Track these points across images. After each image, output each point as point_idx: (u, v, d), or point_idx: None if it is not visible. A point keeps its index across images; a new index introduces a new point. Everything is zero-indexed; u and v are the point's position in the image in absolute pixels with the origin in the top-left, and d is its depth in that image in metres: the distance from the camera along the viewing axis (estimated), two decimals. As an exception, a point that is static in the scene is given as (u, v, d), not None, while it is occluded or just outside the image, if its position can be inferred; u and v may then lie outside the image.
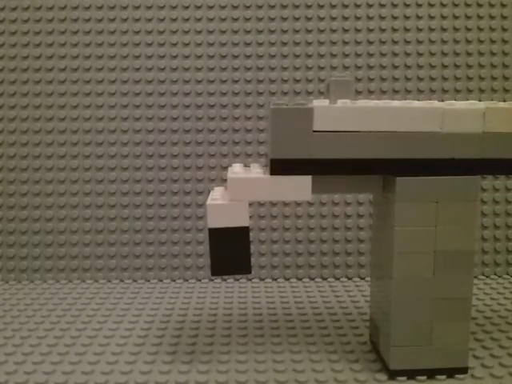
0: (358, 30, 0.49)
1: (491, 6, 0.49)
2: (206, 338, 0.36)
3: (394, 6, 0.49)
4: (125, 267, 0.48)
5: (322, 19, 0.49)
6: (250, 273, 0.30)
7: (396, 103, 0.29)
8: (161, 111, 0.49)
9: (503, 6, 0.49)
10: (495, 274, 0.48)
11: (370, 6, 0.49)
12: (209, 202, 0.29)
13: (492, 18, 0.49)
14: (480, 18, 0.49)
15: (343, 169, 0.29)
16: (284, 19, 0.48)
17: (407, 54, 0.49)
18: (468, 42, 0.49)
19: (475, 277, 0.48)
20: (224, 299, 0.43)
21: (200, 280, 0.48)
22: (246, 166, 0.34)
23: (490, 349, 0.34)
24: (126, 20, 0.49)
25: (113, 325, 0.38)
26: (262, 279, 0.48)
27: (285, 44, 0.49)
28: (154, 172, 0.49)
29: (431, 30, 0.49)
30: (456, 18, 0.49)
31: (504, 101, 0.48)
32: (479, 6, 0.49)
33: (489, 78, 0.49)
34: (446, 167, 0.29)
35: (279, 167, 0.29)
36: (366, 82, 0.49)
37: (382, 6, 0.49)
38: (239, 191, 0.29)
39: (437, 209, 0.29)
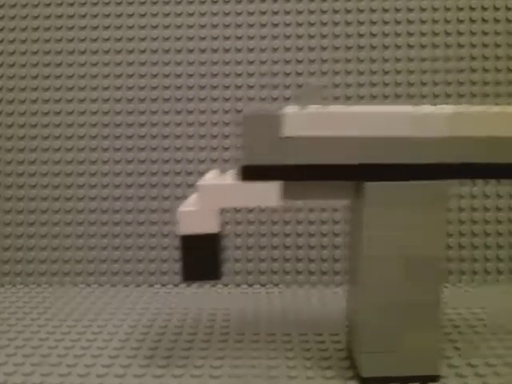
0: (348, 36, 0.49)
1: (496, 9, 0.49)
2: (185, 343, 0.36)
3: (385, 11, 0.49)
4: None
5: (300, 25, 0.49)
6: (219, 279, 0.30)
7: (365, 108, 0.29)
8: (141, 117, 0.49)
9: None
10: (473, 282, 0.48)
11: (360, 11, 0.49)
12: (180, 208, 0.30)
13: (497, 21, 0.49)
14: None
15: (313, 175, 0.29)
16: (263, 25, 0.49)
17: (402, 58, 0.49)
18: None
19: (455, 284, 0.48)
20: (209, 305, 0.44)
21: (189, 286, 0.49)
22: (223, 172, 0.34)
23: (468, 358, 0.34)
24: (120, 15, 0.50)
25: (111, 328, 0.39)
26: (250, 285, 0.49)
27: (275, 50, 0.49)
28: (146, 177, 0.49)
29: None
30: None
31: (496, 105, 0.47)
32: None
33: (482, 83, 0.49)
34: (415, 172, 0.29)
35: (249, 173, 0.29)
36: (355, 88, 0.49)
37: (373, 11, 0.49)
38: (209, 197, 0.29)
39: (406, 214, 0.29)
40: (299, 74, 0.49)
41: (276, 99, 0.48)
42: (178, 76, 0.49)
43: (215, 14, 0.49)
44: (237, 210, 0.48)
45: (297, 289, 0.48)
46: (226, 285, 0.49)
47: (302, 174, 0.29)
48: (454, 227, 0.48)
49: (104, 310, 0.43)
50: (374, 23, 0.49)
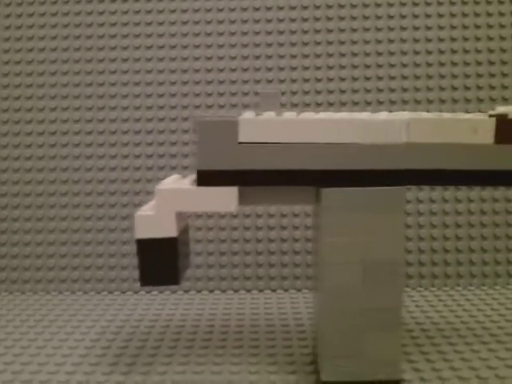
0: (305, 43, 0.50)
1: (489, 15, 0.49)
2: (151, 349, 0.36)
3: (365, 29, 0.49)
4: (99, 278, 0.49)
5: (257, 34, 0.50)
6: (178, 283, 0.30)
7: (320, 115, 0.30)
8: (99, 125, 0.50)
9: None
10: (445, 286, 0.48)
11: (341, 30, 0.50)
12: (137, 213, 0.30)
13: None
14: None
15: (269, 180, 0.29)
16: (220, 34, 0.50)
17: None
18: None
19: (426, 289, 0.48)
20: (180, 311, 0.44)
21: (162, 292, 0.49)
22: (184, 177, 0.34)
23: (433, 362, 0.34)
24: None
25: (78, 335, 0.39)
26: (222, 291, 0.48)
27: (233, 58, 0.49)
28: (117, 185, 0.49)
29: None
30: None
31: (479, 111, 0.48)
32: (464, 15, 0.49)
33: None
34: (371, 178, 0.29)
35: (205, 178, 0.29)
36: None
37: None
38: (167, 202, 0.29)
39: (363, 219, 0.29)
40: (257, 82, 0.49)
41: (235, 106, 0.49)
42: (137, 84, 0.50)
43: (173, 24, 0.50)
44: (208, 216, 0.48)
45: (269, 294, 0.48)
46: (199, 291, 0.49)
47: (257, 179, 0.29)
48: (419, 231, 0.48)
49: (74, 316, 0.43)
50: (330, 31, 0.49)
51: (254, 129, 0.29)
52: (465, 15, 0.49)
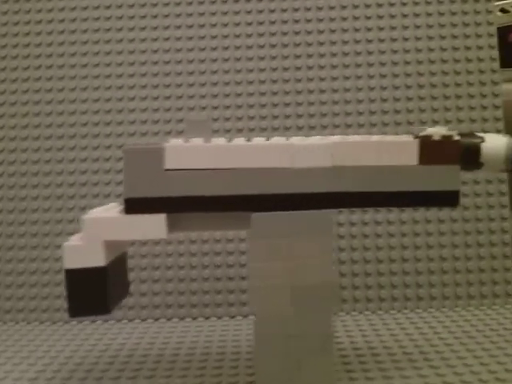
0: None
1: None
2: (93, 381, 0.36)
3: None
4: (57, 307, 0.49)
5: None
6: (108, 313, 0.30)
7: (246, 141, 0.30)
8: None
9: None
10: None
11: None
12: (65, 243, 0.29)
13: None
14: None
15: (197, 206, 0.29)
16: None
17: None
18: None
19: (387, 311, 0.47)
20: (133, 340, 0.43)
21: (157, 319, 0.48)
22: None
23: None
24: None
25: (25, 366, 0.38)
26: (181, 318, 0.48)
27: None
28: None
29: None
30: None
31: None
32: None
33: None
34: (298, 202, 0.29)
35: (133, 206, 0.29)
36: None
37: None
38: (94, 231, 0.29)
39: (291, 243, 0.29)
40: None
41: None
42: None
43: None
44: (167, 243, 0.48)
45: (228, 320, 0.47)
46: (157, 319, 0.48)
47: (185, 206, 0.29)
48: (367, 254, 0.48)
49: (25, 347, 0.42)
50: (274, 58, 0.50)
51: (181, 155, 0.29)
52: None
